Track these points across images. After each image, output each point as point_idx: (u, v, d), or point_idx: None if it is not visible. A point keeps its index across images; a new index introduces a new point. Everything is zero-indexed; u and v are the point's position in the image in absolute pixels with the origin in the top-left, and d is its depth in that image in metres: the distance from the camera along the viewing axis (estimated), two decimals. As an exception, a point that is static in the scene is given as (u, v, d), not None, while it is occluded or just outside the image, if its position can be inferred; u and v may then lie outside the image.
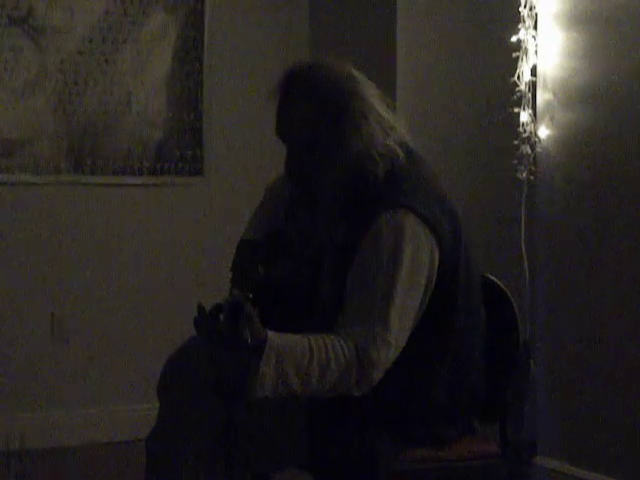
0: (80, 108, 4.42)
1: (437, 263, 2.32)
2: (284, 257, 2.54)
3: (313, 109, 2.34)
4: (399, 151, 2.39)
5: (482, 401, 2.50)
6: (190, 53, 4.61)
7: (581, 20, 3.62)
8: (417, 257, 2.29)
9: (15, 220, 4.36)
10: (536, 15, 3.74)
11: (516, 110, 3.75)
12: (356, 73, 2.41)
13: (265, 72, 4.52)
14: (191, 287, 4.50)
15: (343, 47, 4.53)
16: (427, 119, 4.16)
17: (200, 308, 2.16)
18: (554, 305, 3.72)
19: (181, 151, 4.59)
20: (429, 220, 2.31)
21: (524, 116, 3.74)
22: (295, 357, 2.20)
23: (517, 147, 3.74)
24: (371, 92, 2.40)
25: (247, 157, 4.71)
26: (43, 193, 4.39)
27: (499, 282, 2.66)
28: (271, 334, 2.20)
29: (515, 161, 3.75)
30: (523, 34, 3.74)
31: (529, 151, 3.73)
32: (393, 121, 2.43)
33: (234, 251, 2.62)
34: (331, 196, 2.38)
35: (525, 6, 3.74)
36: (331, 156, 2.35)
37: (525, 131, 3.74)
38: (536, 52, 3.74)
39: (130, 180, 4.52)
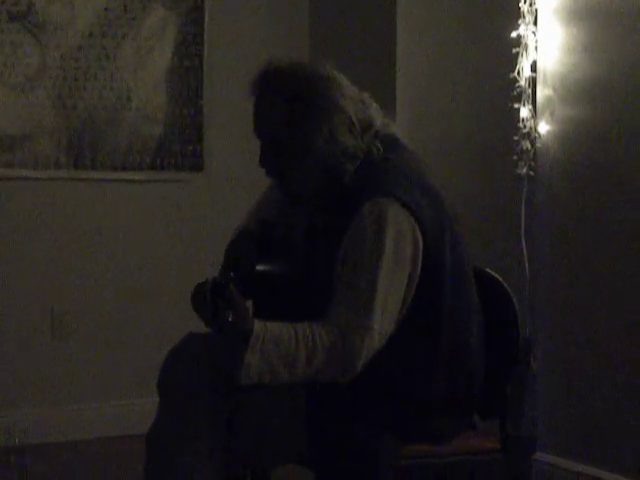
0: (80, 103, 4.42)
1: (421, 249, 2.34)
2: (276, 250, 2.57)
3: (279, 107, 2.41)
4: (373, 148, 2.42)
5: (480, 391, 2.51)
6: (190, 49, 4.61)
7: (581, 15, 3.62)
8: (399, 244, 2.32)
9: (15, 215, 4.36)
10: (536, 10, 3.74)
11: (516, 106, 3.74)
12: (331, 73, 2.43)
13: (265, 68, 4.52)
14: (191, 283, 4.48)
15: (343, 40, 4.53)
16: (427, 115, 4.16)
17: (198, 286, 2.34)
18: (554, 301, 3.72)
19: (181, 146, 4.60)
20: (411, 206, 2.33)
21: (524, 112, 3.73)
22: (281, 346, 2.25)
23: (517, 143, 3.74)
24: (345, 92, 2.42)
25: (247, 153, 4.67)
26: (43, 188, 4.39)
27: (499, 277, 2.66)
28: (257, 324, 2.25)
29: (515, 157, 3.75)
30: (523, 30, 3.74)
31: (529, 147, 3.73)
32: (372, 116, 2.46)
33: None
34: (304, 192, 2.44)
35: (525, 1, 3.73)
36: (297, 154, 2.40)
37: (525, 127, 3.74)
38: (536, 48, 3.73)
39: (130, 175, 4.52)
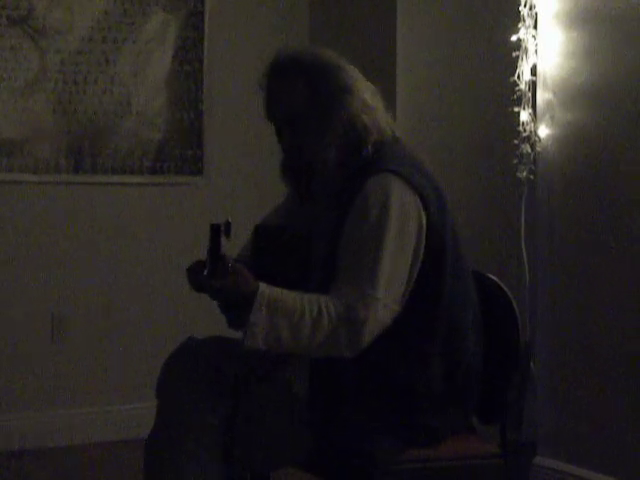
0: (80, 108, 4.42)
1: (425, 227, 2.35)
2: (272, 247, 2.56)
3: (298, 86, 2.42)
4: (387, 128, 2.46)
5: (478, 392, 2.50)
6: (190, 53, 4.61)
7: (581, 20, 3.62)
8: (404, 219, 2.33)
9: (15, 219, 4.36)
10: (536, 14, 3.74)
11: (516, 109, 3.74)
12: (343, 65, 2.51)
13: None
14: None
15: (343, 48, 4.52)
16: (427, 118, 4.16)
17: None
18: (554, 305, 3.72)
19: (181, 151, 4.59)
20: (415, 185, 2.35)
21: (524, 115, 3.73)
22: (286, 309, 2.26)
23: (517, 146, 3.74)
24: (362, 82, 2.50)
25: (247, 157, 4.71)
26: (43, 192, 4.39)
27: (499, 281, 2.65)
28: (262, 285, 2.27)
29: (515, 160, 3.75)
30: (523, 33, 3.74)
31: (529, 150, 3.73)
32: (382, 107, 2.50)
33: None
34: (325, 164, 2.42)
35: (525, 5, 3.73)
36: (318, 128, 2.41)
37: (525, 130, 3.73)
38: (536, 51, 3.73)
39: (130, 179, 4.52)
